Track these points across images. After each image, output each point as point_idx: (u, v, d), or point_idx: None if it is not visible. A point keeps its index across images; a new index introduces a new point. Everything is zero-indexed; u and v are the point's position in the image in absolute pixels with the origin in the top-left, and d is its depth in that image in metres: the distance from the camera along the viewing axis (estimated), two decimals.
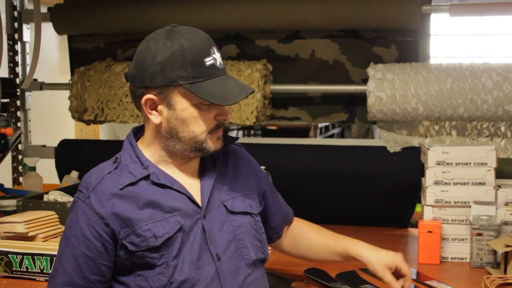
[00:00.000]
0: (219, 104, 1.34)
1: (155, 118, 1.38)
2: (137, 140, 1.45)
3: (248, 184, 1.53)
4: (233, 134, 7.47)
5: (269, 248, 1.66)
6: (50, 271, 1.71)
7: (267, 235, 1.61)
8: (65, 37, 3.03)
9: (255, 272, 1.45)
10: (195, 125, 1.36)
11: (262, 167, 1.80)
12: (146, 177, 1.38)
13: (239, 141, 1.57)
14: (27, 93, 3.01)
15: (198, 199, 1.41)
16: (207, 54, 1.34)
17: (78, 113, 2.80)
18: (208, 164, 1.47)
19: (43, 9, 2.87)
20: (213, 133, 1.39)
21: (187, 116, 1.36)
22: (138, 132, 1.48)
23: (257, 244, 1.47)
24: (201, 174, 1.46)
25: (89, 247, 1.35)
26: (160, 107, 1.37)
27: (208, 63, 1.34)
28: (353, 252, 1.57)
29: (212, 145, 1.39)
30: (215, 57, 1.35)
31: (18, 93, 2.94)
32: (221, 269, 1.38)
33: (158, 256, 1.34)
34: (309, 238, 1.66)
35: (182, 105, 1.35)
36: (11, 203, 2.32)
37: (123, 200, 1.35)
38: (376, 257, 1.54)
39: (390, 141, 2.53)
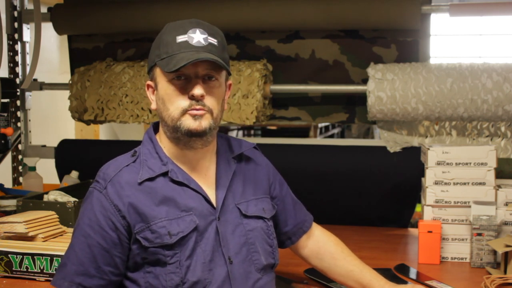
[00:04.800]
0: (166, 70, 1.32)
1: (153, 103, 1.42)
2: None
3: (261, 187, 1.53)
4: (233, 134, 7.47)
5: None
6: (50, 271, 1.72)
7: (279, 239, 1.60)
8: (65, 37, 3.03)
9: (264, 277, 1.44)
10: (170, 102, 1.36)
11: None
12: (165, 174, 1.39)
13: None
14: (27, 93, 3.01)
15: (213, 199, 1.41)
16: (181, 33, 1.34)
17: (78, 113, 2.80)
18: (224, 165, 1.47)
19: (43, 9, 2.87)
20: (188, 111, 1.34)
21: (164, 94, 1.36)
22: (158, 128, 1.48)
23: (268, 249, 1.47)
24: (217, 174, 1.45)
25: (104, 238, 1.35)
26: (155, 92, 1.40)
27: (179, 40, 1.33)
28: None
29: (186, 123, 1.34)
30: (192, 36, 1.34)
31: (18, 93, 2.94)
32: (233, 272, 1.38)
33: (171, 254, 1.34)
34: (335, 259, 1.62)
35: (161, 84, 1.37)
36: (11, 203, 2.32)
37: (141, 193, 1.36)
38: None
39: (390, 141, 2.53)
